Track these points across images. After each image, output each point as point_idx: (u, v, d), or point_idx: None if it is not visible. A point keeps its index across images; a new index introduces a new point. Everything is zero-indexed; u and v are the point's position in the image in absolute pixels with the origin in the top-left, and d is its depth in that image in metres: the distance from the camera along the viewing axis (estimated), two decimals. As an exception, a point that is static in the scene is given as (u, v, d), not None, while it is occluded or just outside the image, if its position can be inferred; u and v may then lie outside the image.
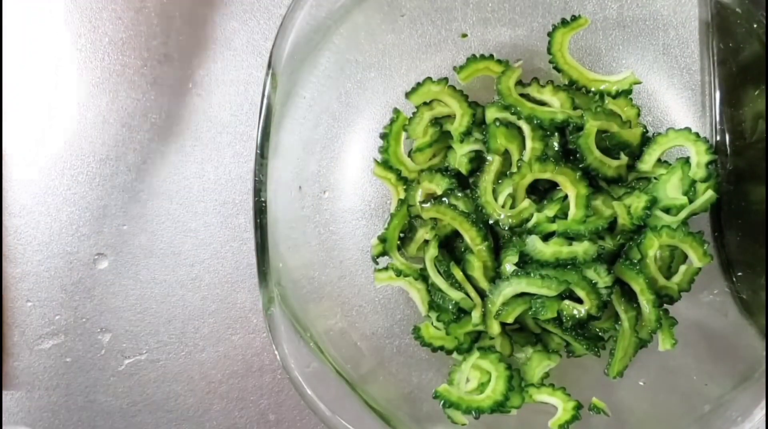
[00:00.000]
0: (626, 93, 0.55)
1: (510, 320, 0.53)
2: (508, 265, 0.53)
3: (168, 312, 0.63)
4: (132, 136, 0.63)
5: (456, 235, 0.55)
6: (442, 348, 0.55)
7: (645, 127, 0.55)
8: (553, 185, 0.54)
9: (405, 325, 0.58)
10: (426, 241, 0.55)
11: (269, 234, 0.51)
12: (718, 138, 0.55)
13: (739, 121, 0.54)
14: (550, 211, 0.53)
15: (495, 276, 0.54)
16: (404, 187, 0.57)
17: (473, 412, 0.52)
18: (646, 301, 0.52)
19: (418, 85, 0.56)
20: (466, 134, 0.55)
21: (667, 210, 0.53)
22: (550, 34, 0.55)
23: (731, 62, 0.55)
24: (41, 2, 0.64)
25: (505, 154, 0.55)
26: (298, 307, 0.52)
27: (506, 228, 0.53)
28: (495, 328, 0.53)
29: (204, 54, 0.63)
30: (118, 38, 0.64)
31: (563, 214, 0.53)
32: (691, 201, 0.53)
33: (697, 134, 0.53)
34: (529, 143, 0.54)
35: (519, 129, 0.55)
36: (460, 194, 0.55)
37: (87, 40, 0.64)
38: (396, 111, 0.57)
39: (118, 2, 0.64)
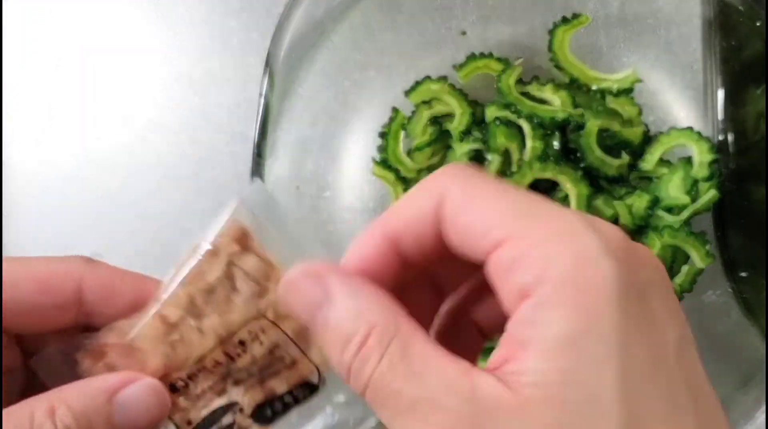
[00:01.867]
0: (628, 91, 0.55)
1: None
2: (508, 266, 0.52)
3: (166, 312, 0.62)
4: (129, 136, 0.63)
5: (456, 235, 0.54)
6: (441, 349, 0.54)
7: (647, 126, 0.55)
8: (553, 185, 0.54)
9: (404, 325, 0.57)
10: (425, 241, 0.55)
11: (267, 234, 0.50)
12: (721, 137, 0.54)
13: (741, 120, 0.54)
14: (551, 210, 0.52)
15: (495, 276, 0.53)
16: (403, 186, 0.56)
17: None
18: (647, 301, 0.51)
19: (417, 83, 0.56)
20: (466, 133, 0.55)
21: (669, 210, 0.53)
22: (550, 32, 0.55)
23: (734, 61, 0.54)
24: (41, 2, 0.64)
25: (506, 154, 0.55)
26: (295, 308, 0.51)
27: (506, 228, 0.53)
28: (495, 329, 0.53)
29: (201, 52, 0.63)
30: (116, 38, 0.64)
31: (564, 213, 0.53)
32: (693, 200, 0.52)
33: (699, 133, 0.53)
34: (529, 142, 0.53)
35: (519, 128, 0.54)
36: (459, 194, 0.54)
37: (85, 40, 0.64)
38: (395, 110, 0.56)
39: (117, 2, 0.64)
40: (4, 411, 0.26)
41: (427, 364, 0.23)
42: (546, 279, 0.23)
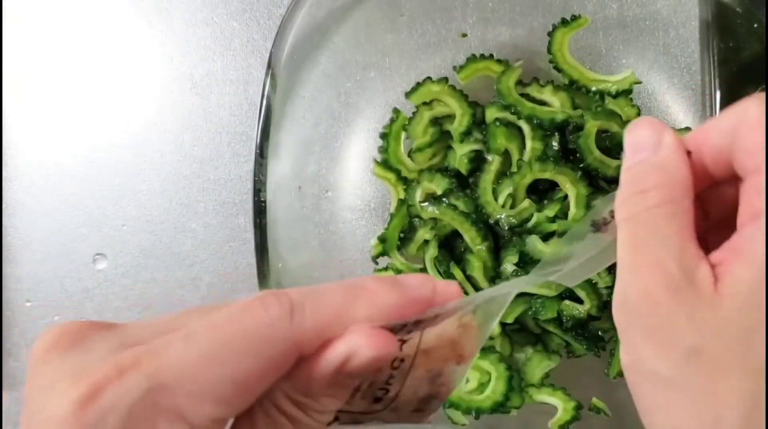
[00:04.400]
0: (626, 93, 0.55)
1: (510, 320, 0.53)
2: (508, 265, 0.53)
3: (167, 312, 0.63)
4: (131, 136, 0.63)
5: (456, 235, 0.55)
6: (442, 348, 0.54)
7: (645, 126, 0.55)
8: (553, 185, 0.54)
9: (405, 325, 0.58)
10: (426, 241, 0.55)
11: (269, 234, 0.51)
12: (719, 138, 0.55)
13: (739, 121, 0.54)
14: (550, 211, 0.53)
15: (495, 276, 0.54)
16: (404, 187, 0.57)
17: (473, 413, 0.52)
18: (646, 301, 0.51)
19: (418, 84, 0.56)
20: (466, 134, 0.55)
21: (667, 210, 0.53)
22: (550, 34, 0.55)
23: (732, 62, 0.54)
24: (42, 3, 0.64)
25: (505, 154, 0.55)
26: (297, 308, 0.51)
27: (506, 228, 0.53)
28: (495, 329, 0.53)
29: (202, 54, 0.63)
30: (118, 40, 0.64)
31: (563, 214, 0.53)
32: (691, 201, 0.53)
33: (697, 134, 0.53)
34: (529, 143, 0.54)
35: (519, 129, 0.54)
36: (460, 194, 0.55)
37: (87, 41, 0.64)
38: (396, 111, 0.57)
39: (118, 4, 0.64)
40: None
41: (676, 235, 0.28)
42: None
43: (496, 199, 0.54)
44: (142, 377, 0.23)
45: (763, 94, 0.30)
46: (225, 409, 0.24)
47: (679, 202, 0.29)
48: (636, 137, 0.31)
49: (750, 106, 0.29)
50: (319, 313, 0.26)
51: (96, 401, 0.23)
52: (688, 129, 0.53)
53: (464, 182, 0.56)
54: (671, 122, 0.57)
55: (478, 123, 0.56)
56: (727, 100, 0.55)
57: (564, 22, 0.54)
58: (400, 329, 0.27)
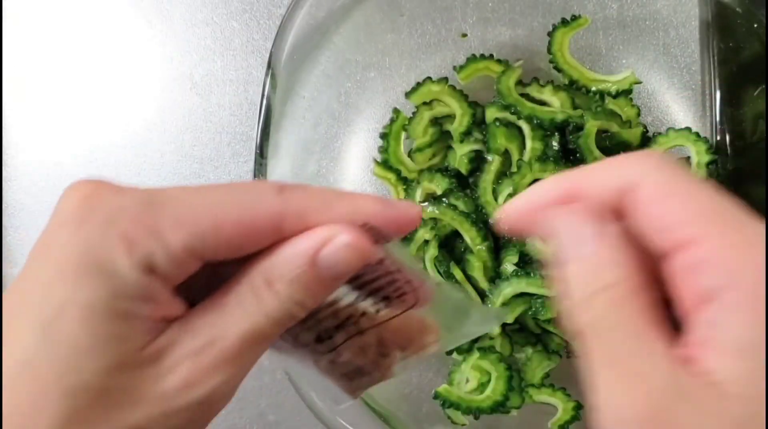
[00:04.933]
0: (626, 93, 0.55)
1: (510, 320, 0.53)
2: (508, 265, 0.53)
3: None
4: (131, 136, 0.63)
5: (456, 235, 0.55)
6: (441, 348, 0.55)
7: (645, 126, 0.55)
8: (553, 185, 0.54)
9: (405, 325, 0.58)
10: (426, 241, 0.55)
11: (269, 234, 0.50)
12: (719, 138, 0.55)
13: (739, 121, 0.54)
14: (551, 211, 0.53)
15: (495, 276, 0.54)
16: (404, 187, 0.57)
17: (473, 413, 0.52)
18: (646, 301, 0.51)
19: (418, 84, 0.56)
20: (466, 134, 0.55)
21: (667, 210, 0.53)
22: (550, 34, 0.55)
23: (732, 62, 0.55)
24: (42, 3, 0.64)
25: (505, 154, 0.55)
26: (297, 308, 0.51)
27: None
28: (495, 329, 0.53)
29: (203, 54, 0.63)
30: (118, 40, 0.64)
31: (563, 214, 0.53)
32: (691, 201, 0.52)
33: (697, 134, 0.53)
34: (529, 143, 0.54)
35: (519, 129, 0.55)
36: (460, 194, 0.55)
37: (87, 41, 0.64)
38: (396, 111, 0.57)
39: (118, 4, 0.64)
40: (224, 290, 0.28)
41: (639, 339, 0.25)
42: (731, 287, 0.24)
43: (496, 199, 0.54)
44: (139, 192, 0.28)
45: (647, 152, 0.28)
46: (198, 244, 0.27)
47: (639, 294, 0.26)
48: (567, 235, 0.27)
49: (636, 174, 0.26)
50: (305, 198, 0.28)
51: (96, 198, 0.28)
52: (688, 129, 0.53)
53: (464, 182, 0.56)
54: (671, 122, 0.57)
55: (478, 123, 0.56)
56: (727, 100, 0.55)
57: (564, 22, 0.54)
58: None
